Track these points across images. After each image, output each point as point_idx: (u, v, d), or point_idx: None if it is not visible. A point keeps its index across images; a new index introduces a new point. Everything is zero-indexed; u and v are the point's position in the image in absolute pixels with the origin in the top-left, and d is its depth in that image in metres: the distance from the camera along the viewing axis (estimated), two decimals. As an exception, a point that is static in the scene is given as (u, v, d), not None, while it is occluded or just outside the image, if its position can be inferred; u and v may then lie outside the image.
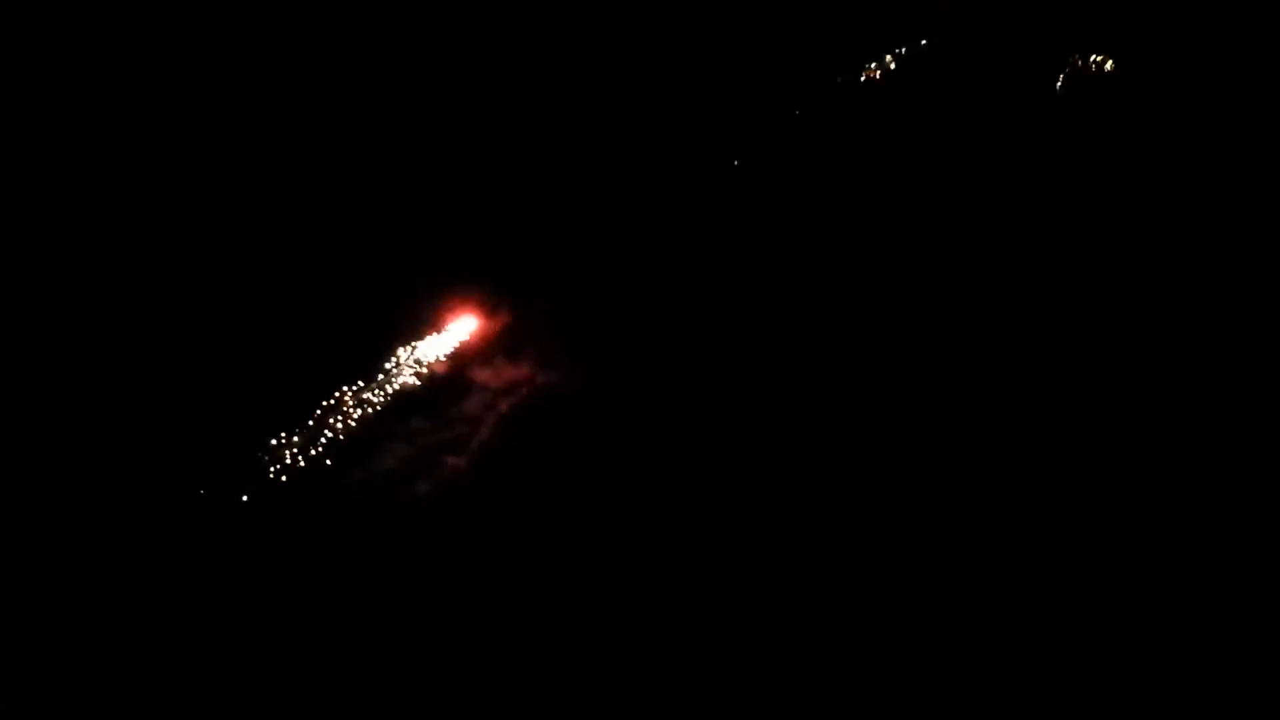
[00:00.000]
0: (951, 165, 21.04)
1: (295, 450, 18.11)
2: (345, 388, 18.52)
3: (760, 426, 18.14)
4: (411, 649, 17.19)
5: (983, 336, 18.62)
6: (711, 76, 22.47)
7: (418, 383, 18.82)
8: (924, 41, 22.65)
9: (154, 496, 17.71)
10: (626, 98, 21.63)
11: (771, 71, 22.79)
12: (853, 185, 21.37)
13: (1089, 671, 15.15)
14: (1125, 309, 18.52)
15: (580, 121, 21.30)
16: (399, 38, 21.85)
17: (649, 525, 17.46)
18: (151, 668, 16.70)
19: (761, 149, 21.96)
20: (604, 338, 19.16)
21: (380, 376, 18.71)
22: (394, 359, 18.85)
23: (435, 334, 19.08)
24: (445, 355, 19.01)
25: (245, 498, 17.75)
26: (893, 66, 22.50)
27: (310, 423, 18.26)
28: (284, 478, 17.99)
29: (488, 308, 19.36)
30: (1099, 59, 20.87)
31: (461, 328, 19.23)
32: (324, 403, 18.41)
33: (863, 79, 22.52)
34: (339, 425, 18.36)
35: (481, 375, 18.82)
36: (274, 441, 18.03)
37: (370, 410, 18.51)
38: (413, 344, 18.99)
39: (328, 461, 18.18)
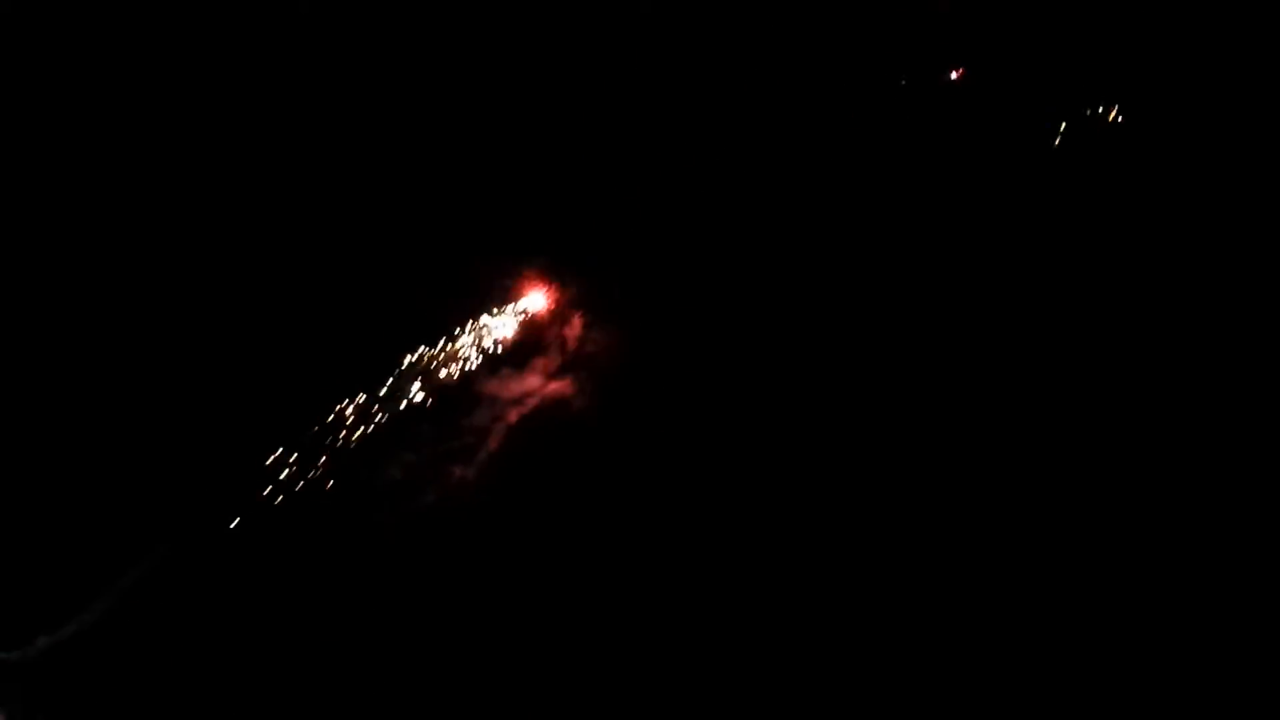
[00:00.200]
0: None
1: (301, 459, 18.08)
2: (351, 397, 18.46)
3: (768, 443, 18.19)
4: (416, 660, 17.34)
5: (986, 342, 18.76)
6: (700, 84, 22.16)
7: (424, 392, 18.79)
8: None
9: (156, 506, 17.67)
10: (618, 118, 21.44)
11: (772, 72, 22.60)
12: (856, 190, 21.29)
13: (1089, 671, 15.40)
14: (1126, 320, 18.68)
15: (579, 138, 21.04)
16: (394, 43, 21.52)
17: (656, 538, 17.57)
18: (156, 675, 16.82)
19: (761, 154, 21.82)
20: (612, 349, 19.18)
21: (386, 386, 18.66)
22: (400, 368, 18.79)
23: (442, 343, 19.03)
24: (452, 365, 18.97)
25: (250, 507, 17.72)
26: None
27: (316, 431, 18.22)
28: (289, 487, 17.97)
29: (497, 317, 19.34)
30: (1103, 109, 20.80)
31: (469, 337, 19.19)
32: (329, 412, 18.36)
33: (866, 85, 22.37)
34: (344, 434, 18.33)
35: (489, 386, 18.81)
36: (280, 450, 17.99)
37: (376, 419, 18.48)
38: (419, 353, 18.93)
39: (333, 470, 18.17)
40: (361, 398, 18.49)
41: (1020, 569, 16.30)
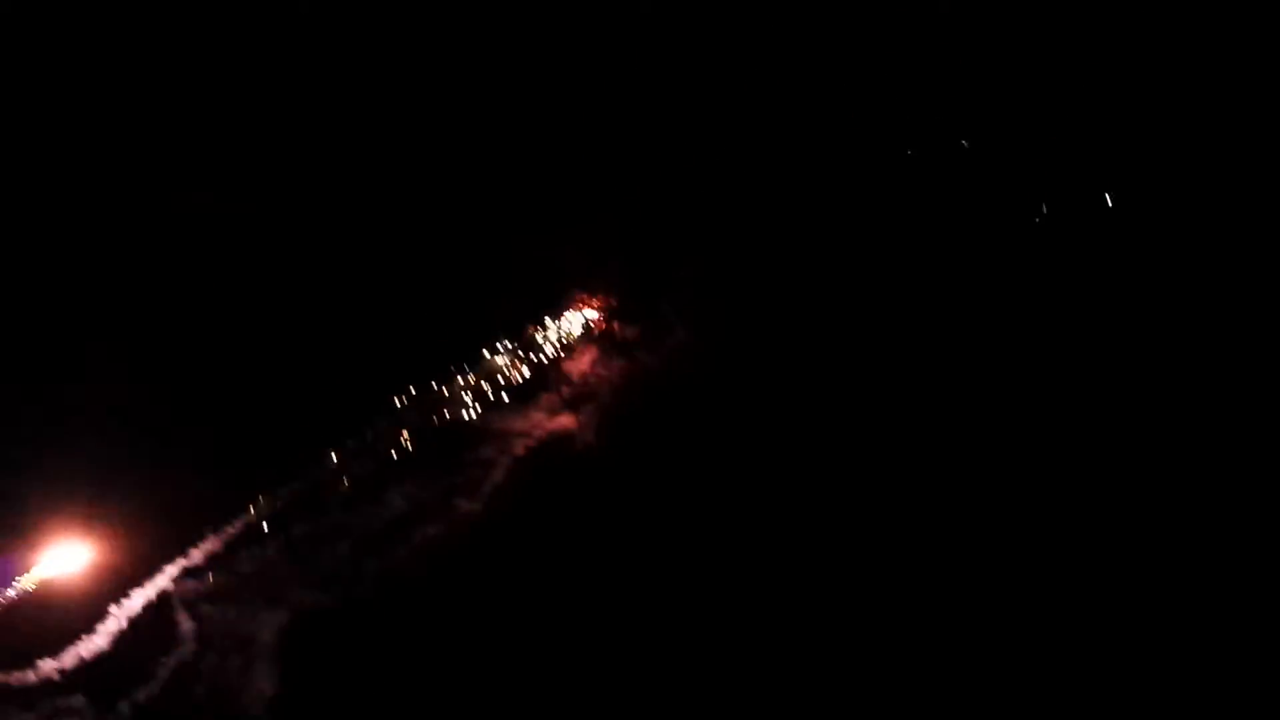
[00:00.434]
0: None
1: (308, 490, 18.17)
2: (359, 428, 18.49)
3: (772, 481, 18.44)
4: (422, 688, 17.79)
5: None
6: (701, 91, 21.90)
7: (431, 425, 18.87)
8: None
9: (159, 535, 17.69)
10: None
11: (771, 74, 22.40)
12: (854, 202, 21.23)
13: (1088, 671, 16.04)
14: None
15: (583, 165, 20.74)
16: (388, 51, 20.88)
17: (659, 572, 17.87)
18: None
19: (760, 161, 21.73)
20: (618, 384, 19.35)
21: (393, 417, 18.71)
22: (407, 400, 18.82)
23: (448, 376, 19.05)
24: (459, 398, 19.02)
25: (257, 540, 17.83)
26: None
27: (323, 463, 18.27)
28: (297, 516, 18.08)
29: (503, 351, 19.35)
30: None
31: (474, 371, 19.22)
32: (337, 443, 18.40)
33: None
34: (351, 465, 18.41)
35: (495, 420, 18.93)
36: (288, 481, 18.04)
37: (383, 451, 18.57)
38: (426, 386, 18.95)
39: (341, 501, 18.30)
40: (368, 429, 18.53)
41: (1020, 569, 16.86)
